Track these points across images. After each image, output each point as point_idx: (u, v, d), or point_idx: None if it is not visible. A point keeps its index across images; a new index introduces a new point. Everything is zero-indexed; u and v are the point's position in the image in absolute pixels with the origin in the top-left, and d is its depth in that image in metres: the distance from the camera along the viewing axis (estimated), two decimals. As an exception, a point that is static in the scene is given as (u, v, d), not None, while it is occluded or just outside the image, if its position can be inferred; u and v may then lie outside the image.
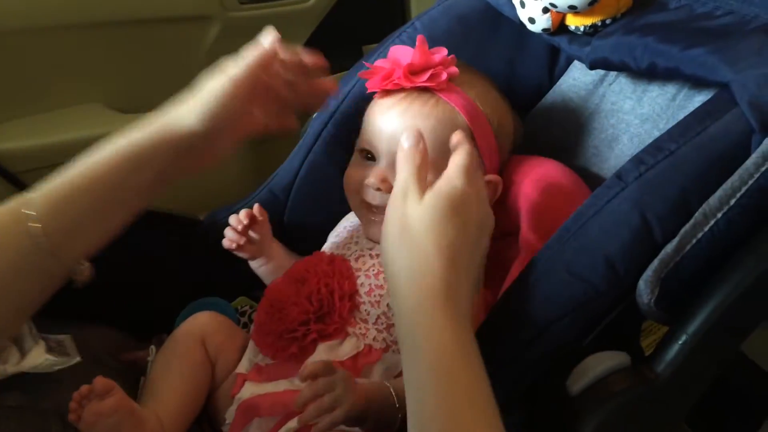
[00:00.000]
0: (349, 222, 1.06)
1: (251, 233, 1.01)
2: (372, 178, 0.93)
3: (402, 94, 0.93)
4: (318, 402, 0.75)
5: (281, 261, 1.05)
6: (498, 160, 0.98)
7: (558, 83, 1.08)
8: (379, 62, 0.97)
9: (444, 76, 0.93)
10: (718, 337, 0.68)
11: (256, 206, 1.01)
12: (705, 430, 1.19)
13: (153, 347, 1.00)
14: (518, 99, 1.05)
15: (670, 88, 0.95)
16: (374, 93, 1.00)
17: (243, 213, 1.00)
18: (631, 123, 0.98)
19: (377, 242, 0.97)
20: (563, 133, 1.06)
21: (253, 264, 1.05)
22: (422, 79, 0.92)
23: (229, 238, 1.01)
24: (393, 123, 0.93)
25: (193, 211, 1.17)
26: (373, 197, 0.94)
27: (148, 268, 1.02)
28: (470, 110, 0.94)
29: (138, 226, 1.03)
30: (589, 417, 0.67)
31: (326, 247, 1.03)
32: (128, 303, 1.04)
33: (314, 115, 1.14)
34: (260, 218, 1.01)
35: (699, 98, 0.89)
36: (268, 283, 1.01)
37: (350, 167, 0.99)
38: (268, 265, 1.05)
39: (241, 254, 1.03)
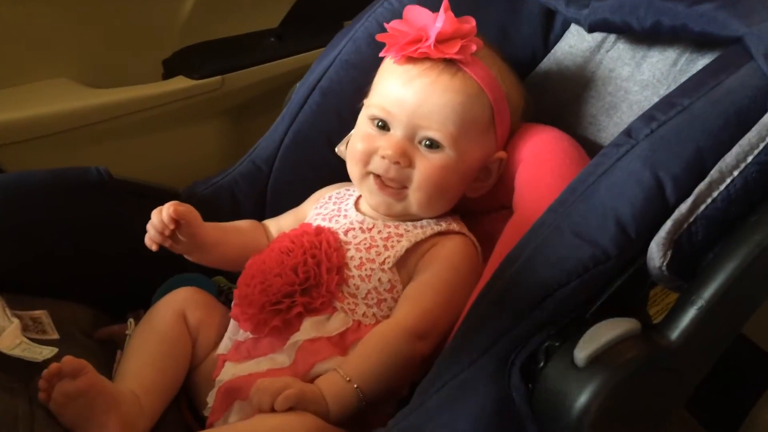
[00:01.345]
0: (334, 192, 1.00)
1: (178, 235, 0.91)
2: (390, 150, 0.88)
3: (427, 64, 0.89)
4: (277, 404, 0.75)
5: (233, 247, 0.97)
6: (507, 137, 0.96)
7: (553, 50, 1.04)
8: (395, 24, 0.91)
9: (474, 48, 0.89)
10: (735, 303, 0.65)
11: (171, 209, 0.88)
12: (696, 410, 1.17)
13: (132, 320, 0.95)
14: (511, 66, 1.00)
15: (671, 53, 0.91)
16: (369, 56, 0.97)
17: (166, 215, 0.88)
18: (630, 90, 0.94)
19: (383, 213, 0.93)
20: (559, 103, 1.02)
21: (192, 259, 0.95)
22: (453, 51, 0.87)
23: (150, 237, 0.90)
24: (419, 94, 0.88)
25: (174, 184, 1.11)
26: (386, 170, 0.89)
27: (122, 241, 0.97)
28: (493, 88, 0.91)
29: (113, 197, 1.00)
30: (598, 386, 0.63)
31: (310, 219, 0.98)
32: (102, 278, 0.99)
33: (297, 84, 1.09)
34: (182, 221, 0.89)
35: (702, 62, 0.86)
36: (238, 268, 0.95)
37: (356, 135, 0.94)
38: (214, 255, 0.95)
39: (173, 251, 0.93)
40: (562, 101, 1.01)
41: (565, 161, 0.89)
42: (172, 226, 0.88)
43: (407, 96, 0.88)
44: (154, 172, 1.18)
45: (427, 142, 0.88)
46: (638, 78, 0.93)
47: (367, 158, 0.91)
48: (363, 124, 0.93)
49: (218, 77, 1.54)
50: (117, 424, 0.78)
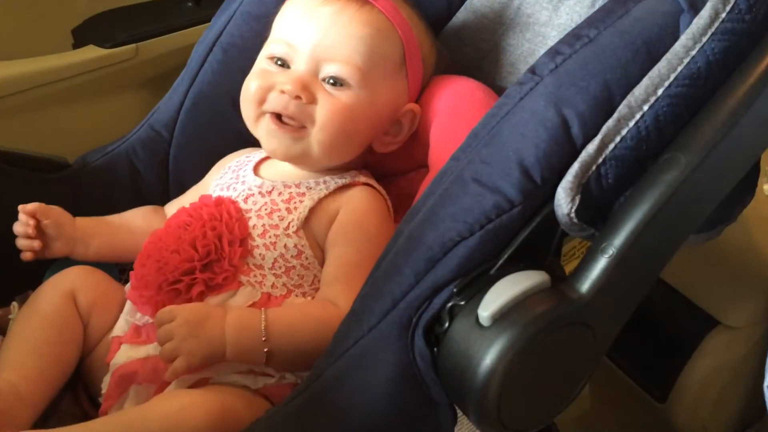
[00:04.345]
0: (234, 161, 0.93)
1: (47, 230, 0.86)
2: (289, 85, 0.80)
3: None
4: (160, 353, 0.71)
5: (120, 234, 0.91)
6: (419, 88, 0.90)
7: (469, -1, 0.98)
8: None
9: None
10: (647, 250, 0.59)
11: (30, 206, 0.85)
12: (628, 366, 1.15)
13: (15, 304, 0.86)
14: (427, 18, 0.94)
15: (590, -6, 0.86)
16: (273, 6, 0.89)
17: (21, 214, 0.85)
18: (549, 36, 0.89)
19: (280, 159, 0.85)
20: (477, 53, 0.96)
21: (79, 257, 0.90)
22: None
23: (20, 246, 0.86)
24: (323, 24, 0.81)
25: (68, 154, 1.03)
26: (284, 106, 0.81)
27: (1, 219, 0.88)
28: (404, 28, 0.85)
29: (-5, 170, 0.92)
30: (503, 346, 0.57)
31: (210, 191, 0.90)
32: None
33: (198, 39, 1.01)
34: (45, 221, 0.86)
35: (620, 1, 0.81)
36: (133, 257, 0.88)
37: (251, 75, 0.86)
38: (98, 246, 0.90)
39: (52, 257, 0.88)
40: (480, 51, 0.96)
41: (481, 112, 0.82)
42: (32, 222, 0.84)
43: (310, 26, 0.81)
44: (66, 149, 1.10)
45: (332, 80, 0.81)
46: (556, 22, 0.88)
47: (263, 95, 0.83)
48: (260, 66, 0.86)
49: (132, 45, 1.46)
50: None
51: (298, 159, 0.84)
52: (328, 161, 0.85)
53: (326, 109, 0.81)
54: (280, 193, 0.84)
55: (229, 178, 0.90)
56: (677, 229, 0.60)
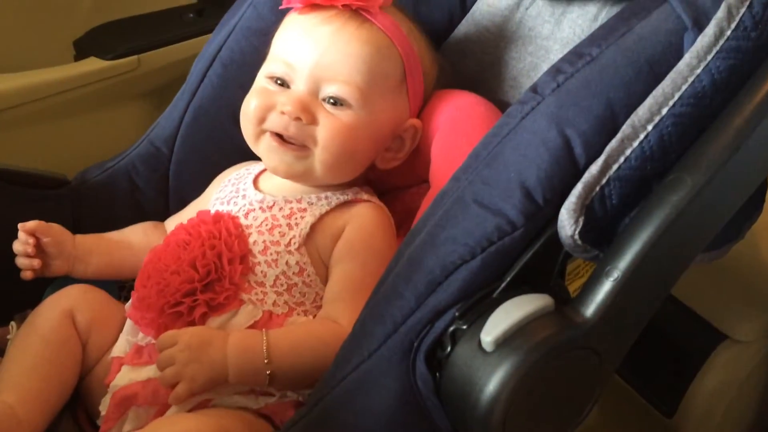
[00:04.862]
0: (234, 174, 0.92)
1: (47, 249, 0.86)
2: (289, 106, 0.79)
3: (331, 12, 0.81)
4: (160, 378, 0.71)
5: (120, 251, 0.91)
6: (420, 103, 0.89)
7: (471, 11, 0.97)
8: None
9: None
10: (653, 272, 0.58)
11: (21, 227, 0.85)
12: (636, 381, 1.13)
13: (14, 323, 0.86)
14: (428, 31, 0.93)
15: (591, 8, 0.85)
16: (272, 22, 0.88)
17: (20, 233, 0.85)
18: (551, 49, 0.87)
19: (282, 176, 0.84)
20: (478, 67, 0.95)
21: (79, 275, 0.89)
22: None
23: (20, 265, 0.86)
24: (322, 43, 0.80)
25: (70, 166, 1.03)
26: (284, 126, 0.80)
27: (5, 234, 0.87)
28: (404, 44, 0.84)
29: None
30: (507, 372, 0.56)
31: (209, 206, 0.89)
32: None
33: (198, 55, 1.00)
34: (45, 239, 0.86)
35: (624, 14, 0.79)
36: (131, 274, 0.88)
37: (251, 94, 0.85)
38: (97, 264, 0.90)
39: (52, 275, 0.88)
40: (482, 64, 0.94)
41: (482, 128, 0.82)
42: (32, 240, 0.84)
43: (309, 46, 0.80)
44: (67, 161, 1.10)
45: (332, 100, 0.80)
46: (558, 36, 0.87)
47: (263, 114, 0.82)
48: (259, 85, 0.85)
49: (134, 57, 1.46)
50: None
51: (300, 177, 0.83)
52: (330, 180, 0.84)
53: (327, 129, 0.80)
54: (281, 209, 0.83)
55: (229, 192, 0.89)
56: (684, 251, 0.59)
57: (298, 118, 0.79)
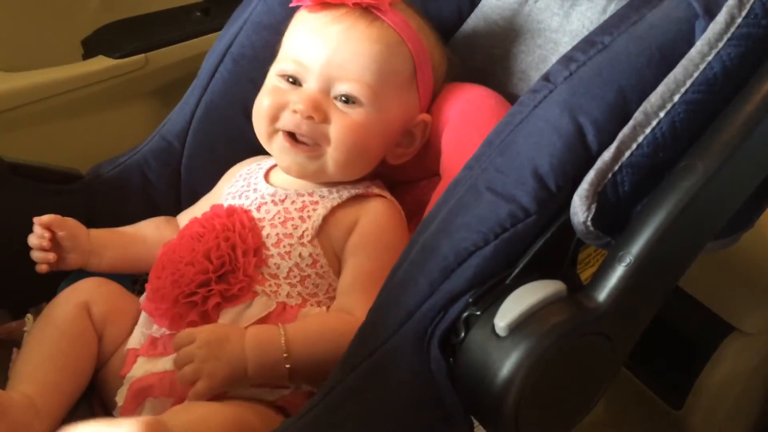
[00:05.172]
0: (245, 169, 0.93)
1: (62, 242, 0.87)
2: (301, 104, 0.80)
3: (341, 11, 0.82)
4: (179, 376, 0.71)
5: (134, 245, 0.92)
6: (430, 98, 0.90)
7: (479, 5, 0.98)
8: None
9: None
10: (664, 258, 0.59)
11: (37, 220, 0.86)
12: (643, 373, 1.14)
13: (30, 316, 0.87)
14: (437, 25, 0.94)
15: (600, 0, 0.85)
16: (283, 17, 0.89)
17: (36, 226, 0.86)
18: (560, 42, 0.88)
19: (296, 175, 0.85)
20: (488, 60, 0.95)
21: (93, 268, 0.90)
22: None
23: (36, 258, 0.86)
24: (333, 42, 0.81)
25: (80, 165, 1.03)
26: (297, 125, 0.81)
27: (21, 229, 0.88)
28: (414, 40, 0.85)
29: (7, 184, 0.92)
30: (521, 356, 0.57)
31: (222, 200, 0.90)
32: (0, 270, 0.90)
33: (207, 48, 1.01)
34: (60, 233, 0.87)
35: (632, 6, 0.80)
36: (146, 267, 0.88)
37: (263, 93, 0.86)
38: (112, 257, 0.91)
39: (66, 269, 0.89)
40: (491, 58, 0.95)
41: (492, 120, 0.82)
42: (47, 234, 0.85)
43: (320, 44, 0.81)
44: (78, 159, 1.11)
45: (344, 98, 0.81)
46: (568, 28, 0.87)
47: (275, 113, 0.82)
48: (271, 83, 0.85)
49: (141, 56, 1.46)
50: None
51: (313, 176, 0.84)
52: (342, 177, 0.85)
53: (339, 127, 0.81)
54: (293, 202, 0.84)
55: (241, 186, 0.90)
56: (695, 237, 0.59)
57: (310, 117, 0.80)
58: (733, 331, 1.07)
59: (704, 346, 1.07)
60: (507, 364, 0.58)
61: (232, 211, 0.84)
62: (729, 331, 1.07)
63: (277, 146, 0.84)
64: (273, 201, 0.84)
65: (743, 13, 0.59)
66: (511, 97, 0.89)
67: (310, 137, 0.81)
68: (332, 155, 0.82)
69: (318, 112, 0.80)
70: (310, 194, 0.85)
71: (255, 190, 0.87)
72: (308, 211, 0.83)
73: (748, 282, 1.08)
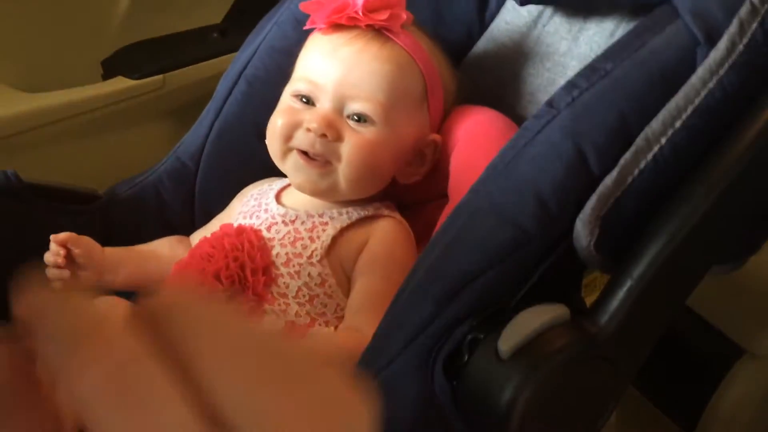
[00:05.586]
0: (257, 190, 0.94)
1: (77, 260, 0.88)
2: (315, 123, 0.81)
3: (354, 32, 0.84)
4: None
5: (147, 263, 0.93)
6: (441, 119, 0.91)
7: (489, 28, 0.99)
8: None
9: (404, 17, 0.84)
10: (667, 282, 0.59)
11: (53, 238, 0.86)
12: (655, 395, 1.13)
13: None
14: (447, 47, 0.95)
15: (608, 24, 0.86)
16: (296, 40, 0.90)
17: (52, 244, 0.87)
18: (568, 65, 0.89)
19: (309, 192, 0.86)
20: (497, 82, 0.96)
21: (107, 284, 0.90)
22: (382, 17, 0.82)
23: (52, 277, 0.87)
24: (346, 63, 0.82)
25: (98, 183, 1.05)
26: (311, 144, 0.82)
27: (36, 248, 0.90)
28: (425, 61, 0.86)
29: (24, 201, 0.94)
30: (524, 381, 0.57)
31: (233, 220, 0.92)
32: (9, 287, 0.92)
33: (223, 70, 1.03)
34: (75, 250, 0.87)
35: (639, 31, 0.81)
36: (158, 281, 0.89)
37: (277, 112, 0.87)
38: (125, 274, 0.91)
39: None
40: (500, 80, 0.96)
41: (500, 143, 0.83)
42: (63, 252, 0.85)
43: (334, 65, 0.83)
44: (95, 178, 1.13)
45: (356, 117, 0.83)
46: (576, 52, 0.88)
47: (289, 132, 0.84)
48: (285, 103, 0.87)
49: (159, 76, 1.48)
50: None
51: (325, 194, 0.85)
52: (354, 195, 0.86)
53: (351, 145, 0.82)
54: (303, 222, 0.85)
55: (252, 206, 0.91)
56: (697, 261, 0.60)
57: (323, 135, 0.81)
58: (745, 353, 1.06)
59: (716, 369, 1.06)
60: (510, 388, 0.58)
61: (241, 230, 0.86)
62: (741, 353, 1.07)
63: (291, 164, 0.85)
64: (283, 221, 0.86)
65: (744, 41, 0.59)
66: (520, 120, 0.90)
67: (323, 156, 0.83)
68: (344, 172, 0.83)
69: (331, 131, 0.81)
70: (320, 215, 0.86)
71: (266, 210, 0.89)
72: (317, 232, 0.84)
73: (759, 303, 1.07)
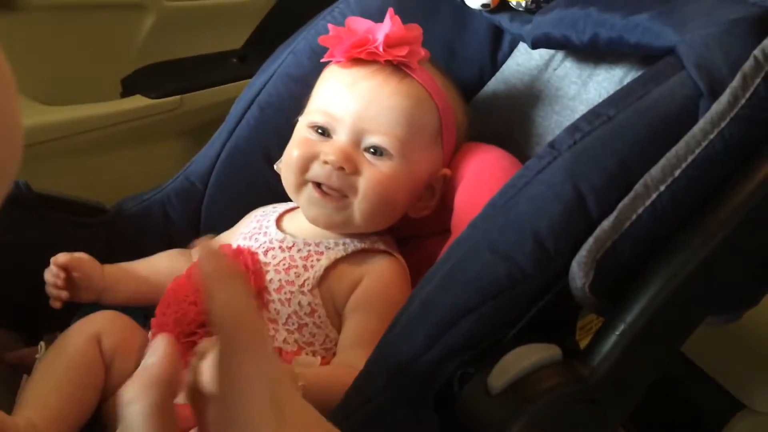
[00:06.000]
0: (260, 212, 0.95)
1: (77, 282, 0.89)
2: (332, 156, 0.82)
3: (373, 67, 0.85)
4: None
5: (146, 280, 0.94)
6: (452, 154, 0.92)
7: (501, 69, 1.00)
8: (336, 30, 0.87)
9: (422, 54, 0.86)
10: (660, 329, 0.59)
11: (54, 261, 0.88)
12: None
13: (42, 344, 0.88)
14: (459, 85, 0.97)
15: (618, 71, 0.87)
16: (310, 69, 0.93)
17: (52, 265, 0.88)
18: (576, 109, 0.90)
19: (322, 227, 0.86)
20: (505, 123, 0.98)
21: (107, 302, 0.92)
22: (402, 53, 0.84)
23: (51, 295, 0.89)
24: (366, 97, 0.83)
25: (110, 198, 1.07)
26: (327, 176, 0.82)
27: (43, 259, 0.91)
28: (441, 98, 0.88)
29: (33, 212, 0.95)
30: (512, 417, 0.57)
31: (233, 240, 0.92)
32: (20, 298, 0.93)
33: (238, 97, 1.05)
34: (75, 274, 0.89)
35: (647, 79, 0.82)
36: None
37: (293, 143, 0.88)
38: (125, 292, 0.93)
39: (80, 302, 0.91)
40: (509, 121, 0.97)
41: (504, 181, 0.84)
42: (62, 275, 0.86)
43: (352, 98, 0.84)
44: (110, 192, 1.14)
45: (373, 150, 0.83)
46: (584, 97, 0.89)
47: (305, 165, 0.84)
48: (300, 133, 0.88)
49: (177, 97, 1.51)
50: None
51: (340, 227, 0.86)
52: (368, 228, 0.86)
53: (368, 179, 0.82)
54: (299, 250, 0.86)
55: (252, 228, 0.92)
56: (691, 311, 0.60)
57: (341, 168, 0.82)
58: (743, 408, 1.05)
59: (714, 423, 1.05)
60: (498, 425, 0.58)
61: (238, 252, 0.86)
62: (739, 408, 1.06)
63: (305, 197, 0.86)
64: (281, 247, 0.86)
65: (747, 95, 0.60)
66: (526, 160, 0.90)
67: (339, 190, 0.83)
68: (360, 206, 0.83)
69: (349, 163, 0.82)
70: (317, 244, 0.86)
71: (265, 233, 0.89)
72: (312, 261, 0.84)
73: (759, 357, 1.06)
